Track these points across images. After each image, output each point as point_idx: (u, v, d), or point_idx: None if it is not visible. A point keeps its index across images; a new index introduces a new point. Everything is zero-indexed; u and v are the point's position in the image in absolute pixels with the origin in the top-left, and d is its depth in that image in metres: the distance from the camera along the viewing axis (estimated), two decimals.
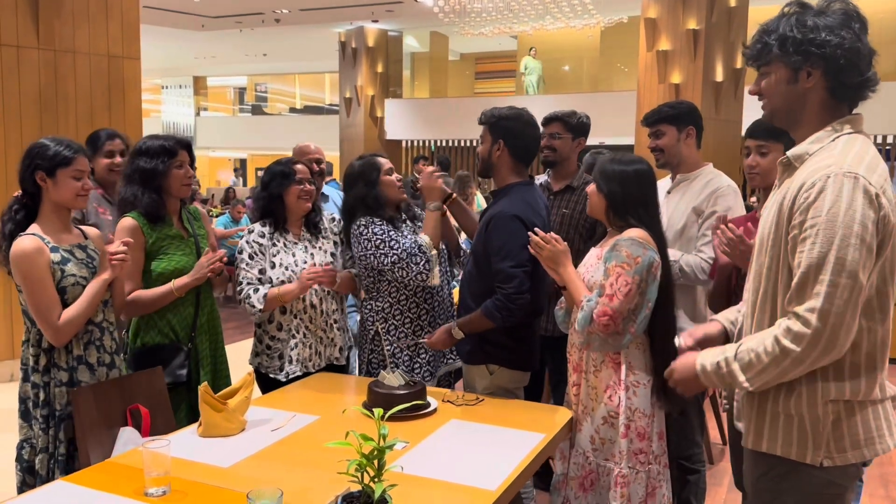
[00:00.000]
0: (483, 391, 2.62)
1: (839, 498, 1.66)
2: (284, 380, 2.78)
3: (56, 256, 2.25)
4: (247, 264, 2.79)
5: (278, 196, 2.83)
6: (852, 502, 1.70)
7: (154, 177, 2.62)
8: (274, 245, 2.82)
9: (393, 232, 2.75)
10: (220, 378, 2.81)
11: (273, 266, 2.79)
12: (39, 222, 2.30)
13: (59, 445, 2.28)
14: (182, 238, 2.72)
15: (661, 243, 2.32)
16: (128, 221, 2.61)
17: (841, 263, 1.50)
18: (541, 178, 3.29)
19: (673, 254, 2.65)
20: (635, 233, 2.27)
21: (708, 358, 1.72)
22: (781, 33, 1.62)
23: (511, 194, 2.61)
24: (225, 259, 2.73)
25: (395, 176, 2.88)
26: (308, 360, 2.82)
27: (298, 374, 2.79)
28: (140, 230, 2.61)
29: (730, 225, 2.37)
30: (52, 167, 2.26)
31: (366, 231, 2.74)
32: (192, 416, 2.65)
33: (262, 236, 2.82)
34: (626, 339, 2.25)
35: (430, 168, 2.87)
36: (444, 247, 2.96)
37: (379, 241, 2.71)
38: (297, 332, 2.80)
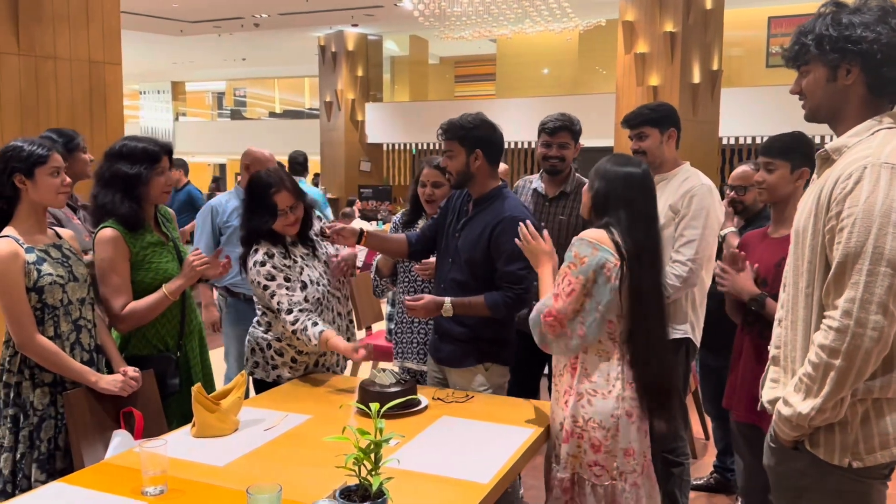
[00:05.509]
0: (479, 388, 2.66)
1: (865, 497, 1.63)
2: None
3: (31, 257, 2.24)
4: (287, 289, 2.65)
5: (267, 230, 2.70)
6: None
7: (136, 184, 2.52)
8: (296, 262, 2.74)
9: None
10: (207, 382, 2.80)
11: (305, 286, 2.71)
12: (14, 225, 2.27)
13: (40, 444, 2.28)
14: (163, 244, 2.65)
15: (638, 248, 2.15)
16: (109, 232, 2.50)
17: (879, 253, 1.48)
18: (534, 183, 3.31)
19: None
20: (590, 232, 2.18)
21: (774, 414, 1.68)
22: (818, 33, 1.63)
23: (504, 198, 2.67)
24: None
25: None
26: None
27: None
28: (123, 241, 2.51)
29: (717, 262, 2.51)
30: (29, 167, 2.23)
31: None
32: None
33: (284, 256, 2.71)
34: (575, 342, 2.16)
35: (338, 226, 2.87)
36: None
37: None
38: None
